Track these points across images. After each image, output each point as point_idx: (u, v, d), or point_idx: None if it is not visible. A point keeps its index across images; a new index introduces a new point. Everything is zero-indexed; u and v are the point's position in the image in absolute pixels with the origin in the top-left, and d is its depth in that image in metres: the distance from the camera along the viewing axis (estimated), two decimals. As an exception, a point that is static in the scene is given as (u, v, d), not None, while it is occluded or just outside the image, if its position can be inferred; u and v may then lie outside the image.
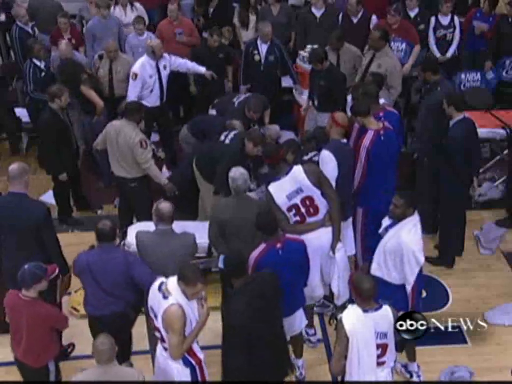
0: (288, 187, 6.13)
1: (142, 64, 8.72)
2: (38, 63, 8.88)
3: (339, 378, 5.28)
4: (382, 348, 5.09)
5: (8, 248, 6.07)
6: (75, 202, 8.65)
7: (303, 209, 6.18)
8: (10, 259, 6.04)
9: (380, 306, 5.07)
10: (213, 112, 8.66)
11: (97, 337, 5.08)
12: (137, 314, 5.97)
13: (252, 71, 9.30)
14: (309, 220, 6.22)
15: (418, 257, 5.69)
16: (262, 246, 5.70)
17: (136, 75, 8.68)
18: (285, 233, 5.91)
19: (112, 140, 7.42)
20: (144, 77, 8.70)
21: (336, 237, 6.27)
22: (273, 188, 6.17)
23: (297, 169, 6.18)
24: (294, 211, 6.18)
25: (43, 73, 8.86)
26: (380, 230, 5.94)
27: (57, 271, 5.66)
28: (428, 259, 7.57)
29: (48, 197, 8.64)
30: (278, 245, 5.69)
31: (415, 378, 6.32)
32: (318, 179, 6.18)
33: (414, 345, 6.20)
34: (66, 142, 7.94)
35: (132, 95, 8.71)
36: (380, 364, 5.12)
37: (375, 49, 8.65)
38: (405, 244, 5.67)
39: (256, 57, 9.27)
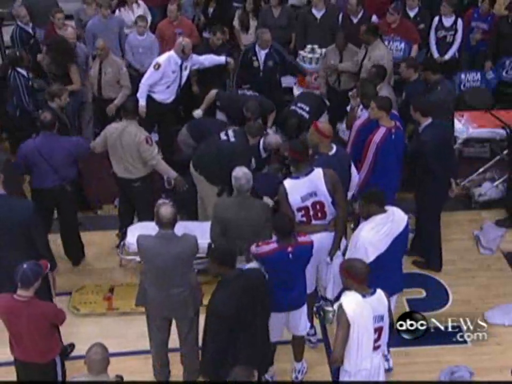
0: (304, 189, 6.12)
1: (168, 58, 8.75)
2: (23, 72, 8.69)
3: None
4: (378, 332, 5.17)
5: (2, 248, 6.09)
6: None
7: (311, 212, 6.18)
8: (5, 258, 6.05)
9: (375, 291, 5.18)
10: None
11: (91, 347, 5.04)
12: (72, 188, 7.37)
13: (251, 77, 9.26)
14: (314, 222, 6.24)
15: (368, 255, 5.73)
16: (274, 245, 5.71)
17: (159, 66, 8.69)
18: (298, 238, 5.88)
19: (115, 141, 7.39)
20: (166, 71, 8.73)
21: (336, 245, 6.28)
22: (289, 185, 6.15)
23: (318, 172, 6.16)
24: (302, 212, 6.18)
25: (30, 82, 8.71)
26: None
27: (49, 266, 5.73)
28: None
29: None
30: (289, 249, 5.71)
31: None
32: (334, 186, 6.18)
33: None
34: None
35: (147, 82, 8.73)
36: (375, 348, 5.22)
37: (366, 43, 8.87)
38: (360, 238, 5.79)
39: (255, 63, 9.23)
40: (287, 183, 6.17)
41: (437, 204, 7.43)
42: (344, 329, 5.06)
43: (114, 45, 9.79)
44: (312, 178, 6.13)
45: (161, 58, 8.78)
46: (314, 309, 6.84)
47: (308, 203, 6.15)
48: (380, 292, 5.21)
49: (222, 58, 9.17)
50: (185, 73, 8.96)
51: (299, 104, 8.47)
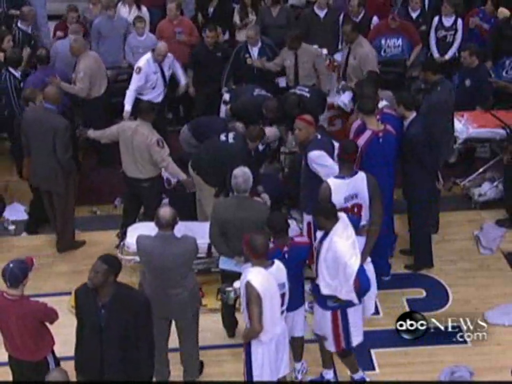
0: (348, 189, 6.16)
1: (147, 60, 8.84)
2: (15, 73, 8.64)
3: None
4: (282, 298, 5.46)
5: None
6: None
7: (349, 214, 6.13)
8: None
9: (273, 262, 5.42)
10: (226, 96, 8.83)
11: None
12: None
13: (245, 75, 9.27)
14: None
15: (351, 267, 5.59)
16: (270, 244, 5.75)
17: (140, 69, 8.79)
18: (294, 238, 5.94)
19: (127, 140, 7.41)
20: (148, 72, 8.81)
21: (368, 250, 6.14)
22: (334, 183, 6.14)
23: (361, 175, 6.22)
24: None
25: (21, 84, 8.63)
26: (315, 244, 5.94)
27: (34, 261, 5.82)
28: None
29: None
30: (285, 249, 5.75)
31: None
32: (373, 192, 6.21)
33: (330, 354, 6.17)
34: None
35: (132, 87, 8.80)
36: (281, 312, 5.50)
37: (350, 42, 8.89)
38: (340, 253, 5.61)
39: (249, 61, 9.28)
40: (332, 182, 6.16)
41: (426, 197, 7.40)
42: (258, 304, 5.24)
43: (117, 46, 9.83)
44: (356, 179, 6.17)
45: (141, 62, 8.84)
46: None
47: (348, 204, 6.18)
48: (277, 262, 5.45)
49: (182, 79, 9.33)
50: (169, 72, 9.02)
51: (298, 87, 8.62)
